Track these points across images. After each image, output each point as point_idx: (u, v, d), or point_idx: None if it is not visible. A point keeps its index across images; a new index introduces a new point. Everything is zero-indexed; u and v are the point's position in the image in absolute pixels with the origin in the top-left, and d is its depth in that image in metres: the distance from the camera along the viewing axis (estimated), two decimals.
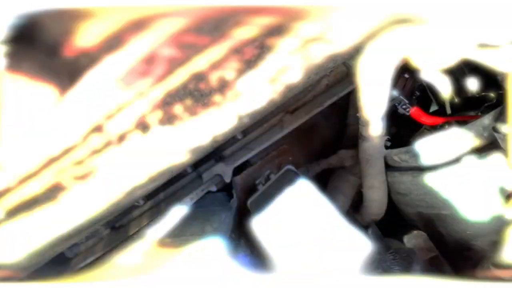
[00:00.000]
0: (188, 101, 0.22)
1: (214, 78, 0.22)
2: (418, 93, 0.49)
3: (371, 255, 0.37)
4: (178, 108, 0.21)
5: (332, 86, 0.65)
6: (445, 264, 0.48)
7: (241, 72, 0.22)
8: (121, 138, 0.19)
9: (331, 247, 0.38)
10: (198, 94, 0.22)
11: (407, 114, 0.48)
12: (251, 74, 0.23)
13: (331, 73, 0.65)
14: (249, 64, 0.22)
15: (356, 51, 0.40)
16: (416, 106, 0.48)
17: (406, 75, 0.45)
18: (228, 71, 0.22)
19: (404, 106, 0.47)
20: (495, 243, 0.46)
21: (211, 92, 0.22)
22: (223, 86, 0.23)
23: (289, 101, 0.67)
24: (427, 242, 0.48)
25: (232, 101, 0.27)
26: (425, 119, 0.49)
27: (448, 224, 0.48)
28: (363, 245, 0.38)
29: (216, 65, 0.20)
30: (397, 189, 0.53)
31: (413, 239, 0.49)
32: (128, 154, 0.21)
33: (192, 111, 0.22)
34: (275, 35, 0.22)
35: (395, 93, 0.45)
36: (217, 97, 0.23)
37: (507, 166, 0.40)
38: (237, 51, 0.20)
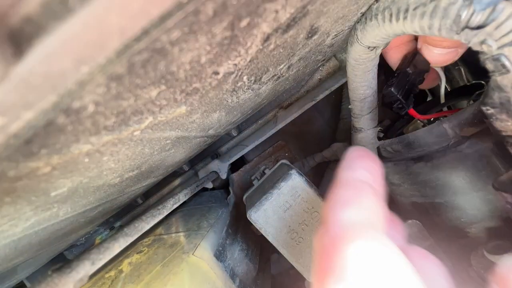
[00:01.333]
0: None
1: None
2: (417, 91, 0.48)
3: None
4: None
5: (325, 80, 0.65)
6: (441, 252, 0.48)
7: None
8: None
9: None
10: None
11: (402, 114, 0.48)
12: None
13: (323, 68, 0.65)
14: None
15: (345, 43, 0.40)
16: (411, 107, 0.47)
17: (397, 74, 0.45)
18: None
19: (399, 106, 0.46)
20: (490, 229, 0.46)
21: None
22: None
23: (282, 97, 0.67)
24: (422, 231, 0.49)
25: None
26: (421, 117, 0.50)
27: (442, 213, 0.48)
28: None
29: None
30: (391, 179, 0.53)
31: (407, 229, 0.49)
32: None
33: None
34: None
35: (393, 90, 0.45)
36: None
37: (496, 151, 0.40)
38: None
